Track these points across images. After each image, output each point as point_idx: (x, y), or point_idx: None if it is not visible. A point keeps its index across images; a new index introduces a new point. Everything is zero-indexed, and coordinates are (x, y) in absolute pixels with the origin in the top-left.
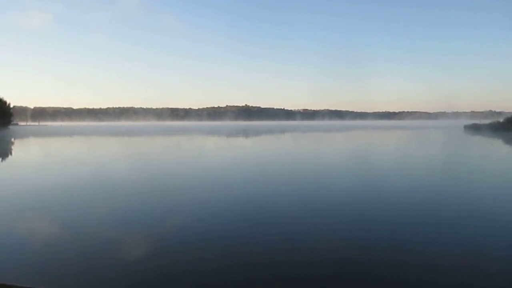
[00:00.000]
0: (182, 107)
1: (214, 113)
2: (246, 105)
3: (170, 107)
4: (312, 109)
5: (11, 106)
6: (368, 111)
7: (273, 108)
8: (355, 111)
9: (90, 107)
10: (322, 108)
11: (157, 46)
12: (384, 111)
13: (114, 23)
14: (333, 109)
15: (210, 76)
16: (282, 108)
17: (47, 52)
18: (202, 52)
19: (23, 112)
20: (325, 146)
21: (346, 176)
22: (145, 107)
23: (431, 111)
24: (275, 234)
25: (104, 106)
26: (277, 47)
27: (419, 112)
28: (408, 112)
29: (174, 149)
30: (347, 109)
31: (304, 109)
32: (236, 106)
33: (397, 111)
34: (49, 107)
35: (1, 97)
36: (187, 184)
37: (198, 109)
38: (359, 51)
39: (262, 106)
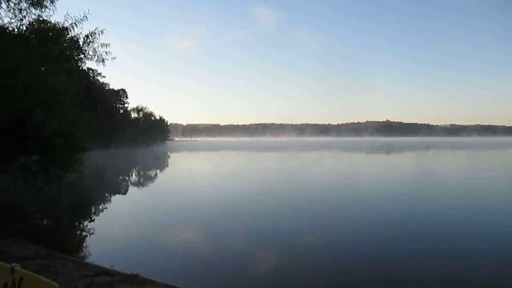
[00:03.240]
0: (321, 122)
1: (353, 128)
2: (387, 120)
3: (310, 123)
4: (460, 124)
5: (168, 123)
6: None
7: (416, 124)
8: None
9: (235, 123)
10: (471, 124)
11: (294, 63)
12: None
13: (252, 40)
14: (486, 124)
15: (351, 91)
16: (426, 123)
17: (193, 71)
18: (341, 68)
19: (176, 128)
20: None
21: None
22: (285, 123)
23: None
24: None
25: (247, 123)
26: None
27: None
28: None
29: (316, 165)
30: (503, 124)
31: (451, 124)
32: (377, 122)
33: None
34: (200, 124)
35: (161, 115)
36: (329, 200)
37: (337, 124)
38: None
39: (404, 122)
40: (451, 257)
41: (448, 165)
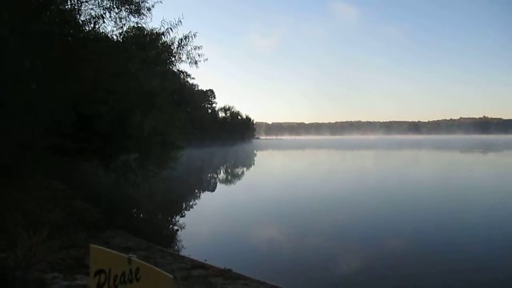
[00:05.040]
0: (411, 120)
1: (446, 126)
2: (484, 116)
3: (397, 120)
4: None
5: (254, 122)
6: None
7: None
8: None
9: (320, 121)
10: None
11: (378, 59)
12: None
13: (332, 37)
14: None
15: (442, 85)
16: None
17: (277, 69)
18: (427, 61)
19: (260, 127)
20: None
21: None
22: (372, 121)
23: None
24: None
25: (332, 121)
26: None
27: None
28: None
29: (408, 165)
30: None
31: None
32: (472, 118)
33: None
34: (284, 122)
35: (247, 114)
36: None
37: (428, 122)
38: None
39: (504, 118)
40: None
41: None
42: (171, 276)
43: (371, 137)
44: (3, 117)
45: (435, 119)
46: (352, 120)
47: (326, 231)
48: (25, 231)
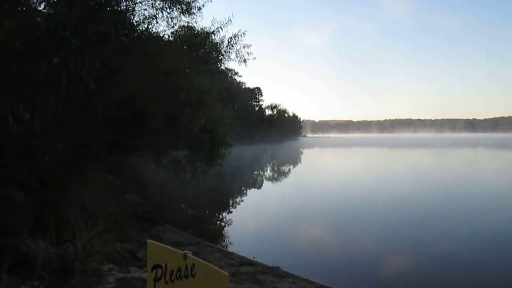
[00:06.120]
0: (465, 117)
1: (504, 123)
2: None
3: (450, 118)
4: None
5: (301, 120)
6: None
7: None
8: None
9: (369, 119)
10: None
11: (430, 54)
12: None
13: (382, 32)
14: None
15: (499, 84)
16: None
17: (325, 65)
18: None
19: (307, 124)
20: None
21: None
22: (423, 118)
23: None
24: None
25: (381, 118)
26: None
27: None
28: None
29: (466, 164)
30: None
31: None
32: None
33: None
34: (332, 120)
35: (294, 112)
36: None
37: (484, 119)
38: None
39: None
40: None
41: None
42: (226, 273)
43: (423, 135)
44: (68, 116)
45: (492, 117)
46: (402, 118)
47: (375, 231)
48: (84, 224)
